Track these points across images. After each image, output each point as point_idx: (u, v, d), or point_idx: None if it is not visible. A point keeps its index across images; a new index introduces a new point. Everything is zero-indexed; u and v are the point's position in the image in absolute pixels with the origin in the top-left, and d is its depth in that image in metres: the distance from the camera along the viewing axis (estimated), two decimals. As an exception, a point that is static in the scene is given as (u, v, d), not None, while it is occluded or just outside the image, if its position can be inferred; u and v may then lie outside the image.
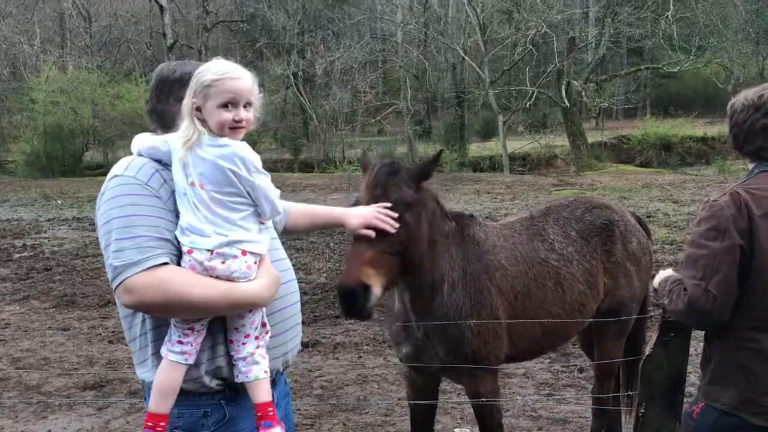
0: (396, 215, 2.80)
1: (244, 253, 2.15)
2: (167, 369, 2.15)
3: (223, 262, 2.12)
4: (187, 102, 2.14)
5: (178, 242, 2.13)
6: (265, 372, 2.25)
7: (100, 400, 5.59)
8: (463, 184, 22.12)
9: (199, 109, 2.14)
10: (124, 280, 2.03)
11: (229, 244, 2.13)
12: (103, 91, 29.26)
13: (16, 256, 11.74)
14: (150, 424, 2.14)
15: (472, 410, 5.18)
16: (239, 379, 2.23)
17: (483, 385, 3.54)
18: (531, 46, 28.58)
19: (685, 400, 2.90)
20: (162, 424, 2.15)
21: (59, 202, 19.37)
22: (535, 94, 29.02)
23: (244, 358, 2.23)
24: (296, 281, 2.54)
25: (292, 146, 35.02)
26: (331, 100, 33.67)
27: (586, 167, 27.10)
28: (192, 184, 2.12)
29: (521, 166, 31.14)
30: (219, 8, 39.31)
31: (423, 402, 3.75)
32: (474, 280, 3.47)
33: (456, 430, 4.90)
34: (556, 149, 31.71)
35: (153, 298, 2.04)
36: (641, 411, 2.74)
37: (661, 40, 28.33)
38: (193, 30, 40.53)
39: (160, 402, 2.15)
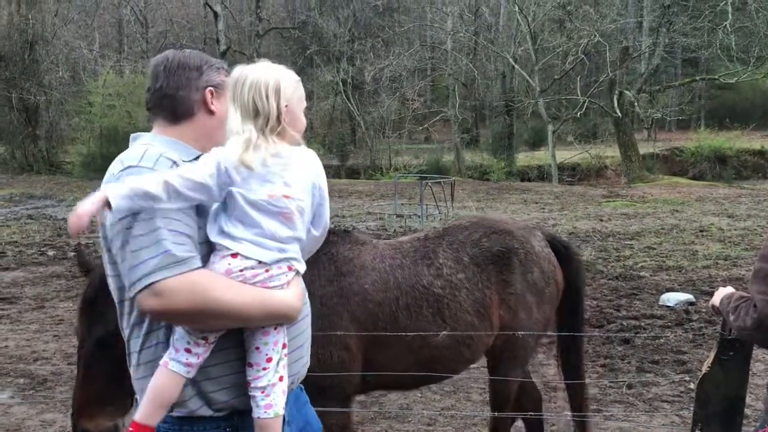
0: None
1: (290, 267, 2.04)
2: (166, 378, 1.94)
3: (267, 270, 1.98)
4: (274, 103, 1.98)
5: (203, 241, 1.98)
6: (282, 410, 2.04)
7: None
8: (510, 194, 21.92)
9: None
10: (154, 282, 1.83)
11: (285, 260, 2.02)
12: (157, 95, 29.94)
13: (71, 254, 12.07)
14: None
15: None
16: (256, 413, 2.01)
17: (328, 417, 3.17)
18: (583, 56, 28.19)
19: (744, 422, 2.80)
20: None
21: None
22: (586, 104, 28.60)
23: (263, 389, 2.01)
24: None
25: (339, 152, 35.26)
26: (379, 107, 33.81)
27: (637, 179, 26.57)
28: (272, 195, 1.96)
29: (570, 176, 30.70)
30: (271, 15, 39.93)
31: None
32: (322, 305, 3.19)
33: None
34: (607, 160, 31.15)
35: (183, 304, 1.85)
36: (697, 431, 2.64)
37: (718, 51, 27.58)
38: (245, 36, 41.19)
39: (151, 413, 1.95)
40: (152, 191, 1.86)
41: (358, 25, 37.99)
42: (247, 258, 1.95)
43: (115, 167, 2.01)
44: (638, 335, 7.07)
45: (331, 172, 32.36)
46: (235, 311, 1.92)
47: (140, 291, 1.86)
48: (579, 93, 29.08)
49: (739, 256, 10.88)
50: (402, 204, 17.83)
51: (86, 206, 1.84)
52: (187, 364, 1.94)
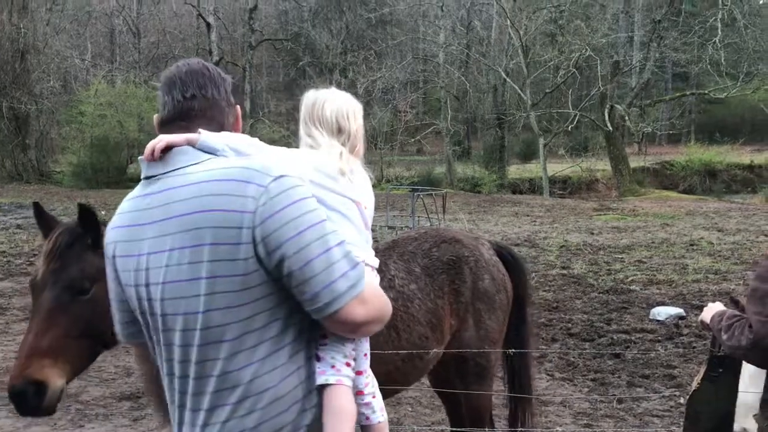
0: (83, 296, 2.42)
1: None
2: (345, 398, 1.88)
3: (376, 276, 2.13)
4: (354, 123, 2.18)
5: None
6: None
7: (135, 411, 5.63)
8: (501, 206, 21.97)
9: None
10: (361, 292, 1.77)
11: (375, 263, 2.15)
12: (149, 105, 29.87)
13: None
14: None
15: None
16: (374, 419, 2.04)
17: None
18: (574, 69, 28.37)
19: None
20: None
21: (103, 213, 19.76)
22: (577, 117, 28.76)
23: (373, 393, 2.07)
24: None
25: (331, 164, 35.23)
26: (372, 119, 33.86)
27: (627, 192, 26.71)
28: (358, 203, 2.09)
29: (561, 189, 30.83)
30: (264, 27, 39.99)
31: None
32: None
33: None
34: (598, 173, 31.32)
35: (377, 309, 1.84)
36: (687, 448, 2.64)
37: (708, 66, 27.86)
38: (238, 47, 41.31)
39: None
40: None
41: (351, 37, 38.12)
42: (367, 264, 2.02)
43: (260, 179, 1.74)
44: (629, 349, 7.07)
45: (323, 184, 32.23)
46: (387, 315, 1.92)
47: (347, 303, 1.75)
48: (570, 107, 29.23)
49: (729, 270, 10.93)
50: (393, 216, 17.83)
51: (173, 137, 1.88)
52: (350, 376, 1.92)
